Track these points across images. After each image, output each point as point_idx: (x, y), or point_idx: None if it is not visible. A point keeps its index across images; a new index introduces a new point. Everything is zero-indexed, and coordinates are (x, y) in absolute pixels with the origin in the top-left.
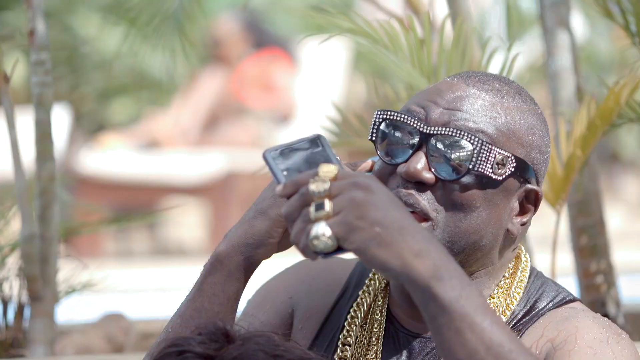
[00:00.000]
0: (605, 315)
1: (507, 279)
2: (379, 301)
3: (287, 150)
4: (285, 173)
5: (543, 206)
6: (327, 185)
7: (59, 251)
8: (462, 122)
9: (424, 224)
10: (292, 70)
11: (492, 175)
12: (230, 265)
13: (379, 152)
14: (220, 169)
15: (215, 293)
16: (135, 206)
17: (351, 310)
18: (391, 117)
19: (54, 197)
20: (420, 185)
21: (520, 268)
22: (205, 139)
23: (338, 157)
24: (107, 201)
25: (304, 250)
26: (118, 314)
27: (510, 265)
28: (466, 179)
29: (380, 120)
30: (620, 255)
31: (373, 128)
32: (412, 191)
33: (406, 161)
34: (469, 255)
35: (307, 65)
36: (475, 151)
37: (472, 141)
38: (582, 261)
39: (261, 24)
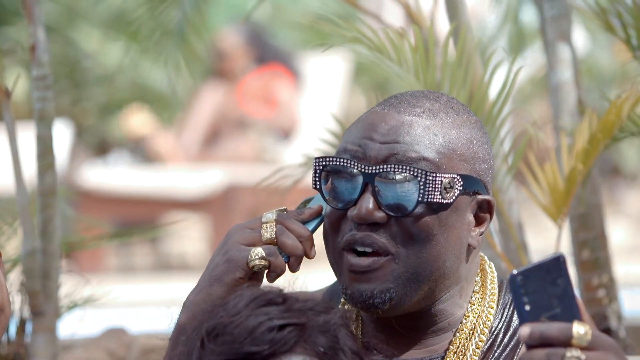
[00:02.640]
0: (607, 329)
1: (477, 293)
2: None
3: (532, 274)
4: (527, 308)
5: (545, 220)
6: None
7: (61, 266)
8: (403, 153)
9: (384, 259)
10: (295, 86)
11: (442, 200)
12: None
13: (325, 199)
14: (221, 183)
15: None
16: (137, 220)
17: None
18: (331, 163)
19: (55, 212)
20: (374, 225)
21: (488, 280)
22: (207, 153)
23: (572, 289)
24: (109, 216)
25: None
26: (120, 328)
27: (477, 279)
28: (418, 210)
29: (321, 167)
30: (622, 269)
31: (315, 176)
32: (368, 232)
33: (355, 204)
34: (437, 281)
35: (308, 80)
36: (420, 182)
37: (415, 173)
38: (583, 275)
39: (265, 38)
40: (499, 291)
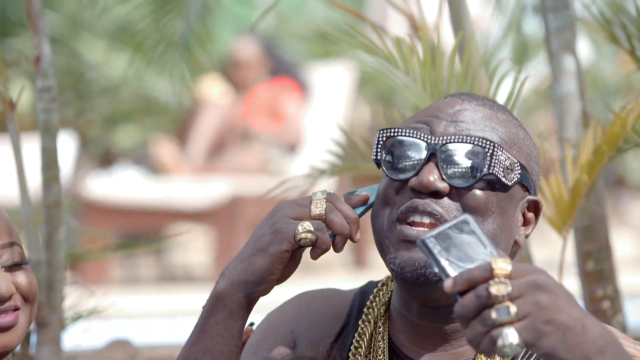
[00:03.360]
0: None
1: None
2: (379, 328)
3: (440, 236)
4: (447, 263)
5: (549, 231)
6: (509, 289)
7: (65, 278)
8: (467, 131)
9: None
10: (302, 101)
11: (504, 179)
12: (232, 304)
13: (385, 170)
14: (226, 194)
15: (218, 333)
16: (141, 232)
17: (354, 341)
18: (396, 134)
19: (60, 224)
20: (435, 195)
21: None
22: (212, 164)
23: (491, 241)
24: (114, 227)
25: (485, 352)
26: (125, 340)
27: None
28: (479, 185)
29: (385, 138)
30: (627, 280)
31: (377, 147)
32: (428, 200)
33: (416, 175)
34: None
35: (314, 92)
36: (488, 154)
37: (483, 144)
38: (588, 286)
39: (277, 51)
40: None
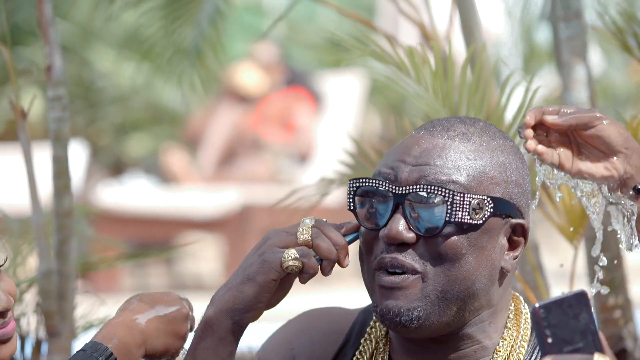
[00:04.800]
0: (623, 349)
1: (510, 329)
2: (380, 348)
3: (553, 307)
4: (550, 340)
5: (560, 241)
6: None
7: (77, 287)
8: (433, 175)
9: (412, 277)
10: (315, 111)
11: (471, 221)
12: (220, 330)
13: (358, 220)
14: (237, 203)
15: (208, 358)
16: (152, 240)
17: (354, 358)
18: (364, 184)
19: (71, 233)
20: (404, 246)
21: (522, 320)
22: (222, 173)
23: (595, 324)
24: (124, 235)
25: None
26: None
27: (511, 315)
28: (447, 230)
29: (355, 189)
30: (638, 289)
31: (349, 197)
32: (395, 254)
33: (386, 225)
34: (466, 302)
35: (326, 102)
36: (448, 203)
37: (442, 193)
38: (599, 295)
39: (289, 60)
40: (531, 332)
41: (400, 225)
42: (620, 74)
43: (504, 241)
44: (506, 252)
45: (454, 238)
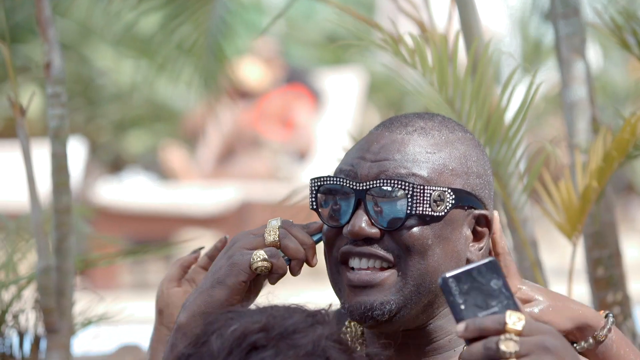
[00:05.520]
0: None
1: None
2: (357, 348)
3: (463, 276)
4: (462, 307)
5: (559, 238)
6: (517, 347)
7: (75, 283)
8: (392, 170)
9: (385, 273)
10: (314, 109)
11: (433, 213)
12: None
13: (321, 218)
14: (235, 200)
15: None
16: (151, 237)
17: None
18: (325, 183)
19: (70, 230)
20: (369, 240)
21: None
22: (222, 170)
23: (509, 289)
24: (123, 232)
25: None
26: (134, 345)
27: None
28: (410, 223)
29: (316, 187)
30: (636, 286)
31: (311, 196)
32: (365, 246)
33: (349, 222)
34: (437, 295)
35: (326, 100)
36: (408, 196)
37: (403, 187)
38: (598, 292)
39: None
40: None
41: (362, 221)
42: (619, 71)
43: (468, 232)
44: (471, 244)
45: (418, 230)
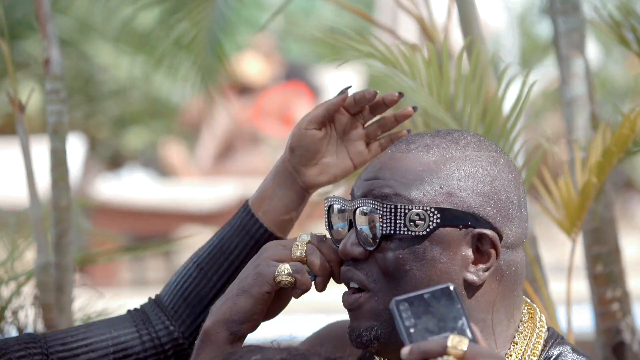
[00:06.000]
0: (621, 342)
1: (516, 344)
2: None
3: (416, 301)
4: (412, 330)
5: (558, 234)
6: None
7: (75, 280)
8: (378, 189)
9: (364, 295)
10: (313, 105)
11: (410, 233)
12: (218, 341)
13: (332, 238)
14: (234, 196)
15: None
16: (150, 234)
17: None
18: (331, 202)
19: (69, 226)
20: (358, 262)
21: (534, 334)
22: (220, 166)
23: (465, 315)
24: (122, 229)
25: None
26: None
27: (520, 328)
28: (389, 245)
29: (327, 207)
30: (636, 282)
31: (325, 217)
32: (350, 267)
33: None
34: None
35: (325, 97)
36: (382, 216)
37: (376, 206)
38: (597, 289)
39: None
40: (544, 346)
41: (349, 241)
42: (618, 67)
43: (467, 252)
44: (471, 264)
45: (394, 252)
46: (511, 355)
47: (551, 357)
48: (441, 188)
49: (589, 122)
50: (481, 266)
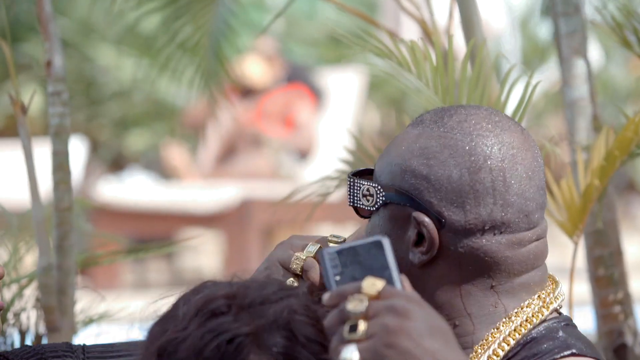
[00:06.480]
0: (623, 344)
1: (498, 329)
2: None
3: (346, 251)
4: (337, 278)
5: (560, 236)
6: (363, 306)
7: (77, 282)
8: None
9: None
10: (316, 108)
11: (365, 207)
12: None
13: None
14: (237, 198)
15: None
16: (152, 236)
17: None
18: None
19: (71, 228)
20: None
21: (524, 321)
22: (222, 169)
23: (394, 266)
24: (124, 231)
25: None
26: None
27: (513, 316)
28: (360, 215)
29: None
30: (638, 285)
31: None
32: None
33: None
34: None
35: (326, 98)
36: (348, 188)
37: (348, 180)
38: (599, 291)
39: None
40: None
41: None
42: (620, 69)
43: (412, 234)
44: (412, 246)
45: (371, 221)
46: (488, 339)
47: (531, 339)
48: (397, 165)
49: (591, 124)
50: (420, 248)
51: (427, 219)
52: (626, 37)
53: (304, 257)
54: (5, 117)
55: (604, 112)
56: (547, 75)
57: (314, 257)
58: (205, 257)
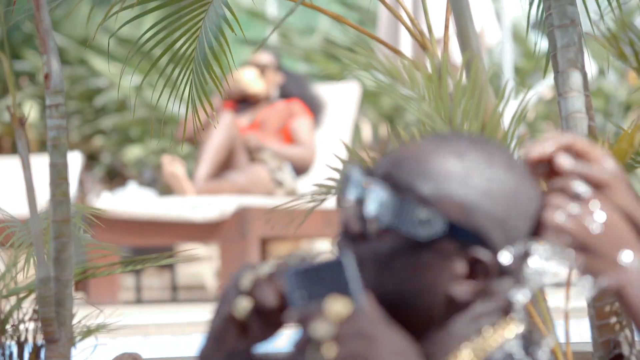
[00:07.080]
0: (619, 355)
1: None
2: None
3: (312, 271)
4: (301, 298)
5: None
6: (329, 330)
7: (74, 293)
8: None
9: None
10: (314, 124)
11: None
12: None
13: None
14: (233, 208)
15: None
16: (148, 247)
17: None
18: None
19: (69, 240)
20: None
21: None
22: (220, 184)
23: (357, 284)
24: (121, 242)
25: None
26: (134, 354)
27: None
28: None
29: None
30: None
31: None
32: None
33: None
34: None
35: (323, 112)
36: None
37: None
38: (595, 302)
39: (291, 72)
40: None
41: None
42: (616, 81)
43: (455, 268)
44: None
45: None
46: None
47: None
48: (453, 197)
49: (587, 136)
50: (466, 284)
51: (488, 259)
52: (622, 50)
53: (254, 277)
54: (3, 132)
55: (599, 125)
56: (543, 87)
57: (272, 276)
58: (201, 266)
